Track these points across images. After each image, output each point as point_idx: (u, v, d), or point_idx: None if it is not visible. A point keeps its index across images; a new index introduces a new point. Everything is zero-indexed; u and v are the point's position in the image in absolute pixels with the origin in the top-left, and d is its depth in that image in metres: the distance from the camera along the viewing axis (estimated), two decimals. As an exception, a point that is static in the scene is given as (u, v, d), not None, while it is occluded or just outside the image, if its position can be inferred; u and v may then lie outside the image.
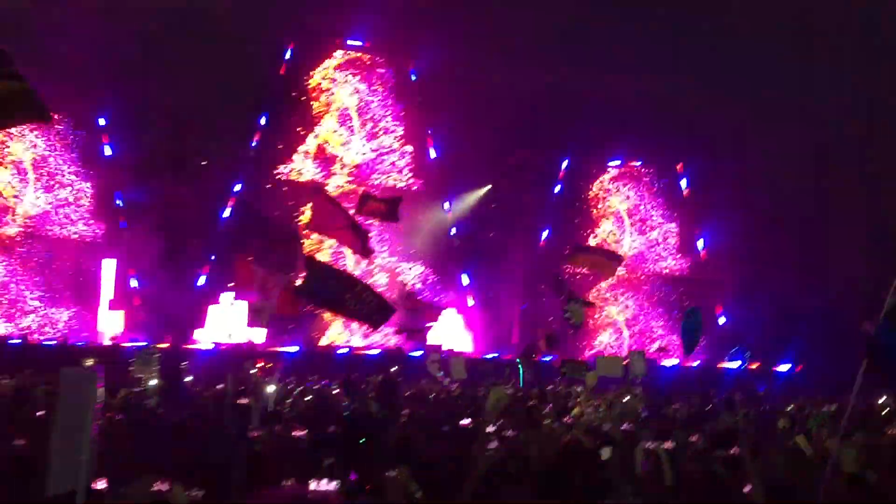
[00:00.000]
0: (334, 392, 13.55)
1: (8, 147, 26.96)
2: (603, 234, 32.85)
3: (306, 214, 26.26)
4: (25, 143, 27.11)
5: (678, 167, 33.32)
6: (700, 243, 32.87)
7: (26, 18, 24.30)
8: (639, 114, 28.71)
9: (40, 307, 26.72)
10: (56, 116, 25.96)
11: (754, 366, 26.84)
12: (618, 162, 33.35)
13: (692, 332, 16.41)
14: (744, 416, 10.83)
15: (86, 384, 4.93)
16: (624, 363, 17.01)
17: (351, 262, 28.19)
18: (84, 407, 4.81)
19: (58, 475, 4.58)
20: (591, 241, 32.15)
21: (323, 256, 26.72)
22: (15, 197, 27.06)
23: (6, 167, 27.00)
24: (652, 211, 33.38)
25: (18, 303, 26.58)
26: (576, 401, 13.10)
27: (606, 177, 33.51)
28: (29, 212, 27.13)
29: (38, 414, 9.08)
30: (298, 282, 11.09)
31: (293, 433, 7.83)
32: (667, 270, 32.87)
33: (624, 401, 13.14)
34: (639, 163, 33.45)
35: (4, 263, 26.68)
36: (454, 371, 18.16)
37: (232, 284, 24.15)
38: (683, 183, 33.36)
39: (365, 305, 11.51)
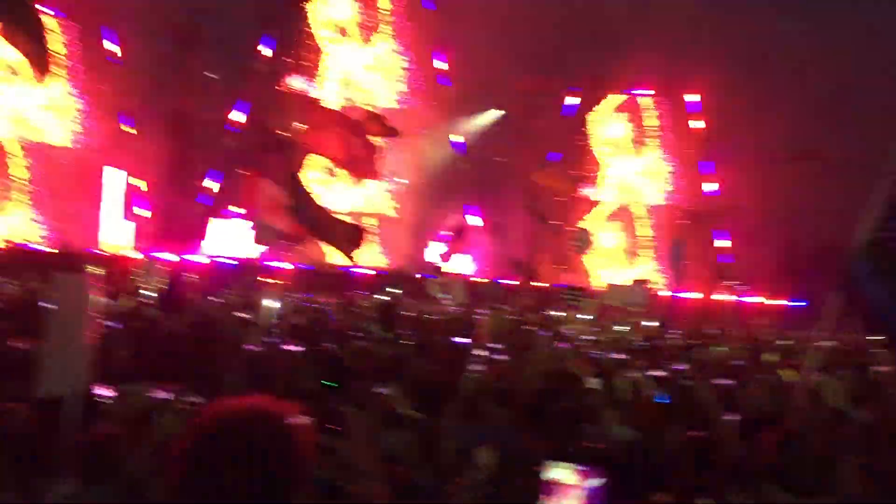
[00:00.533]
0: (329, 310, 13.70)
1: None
2: (605, 163, 32.70)
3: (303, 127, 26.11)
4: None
5: (690, 97, 32.77)
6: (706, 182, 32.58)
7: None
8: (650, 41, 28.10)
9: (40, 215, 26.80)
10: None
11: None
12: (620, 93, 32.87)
13: (676, 261, 16.55)
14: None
15: (78, 289, 4.97)
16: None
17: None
18: (76, 312, 4.86)
19: (50, 379, 4.66)
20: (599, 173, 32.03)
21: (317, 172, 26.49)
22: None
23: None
24: (656, 140, 33.07)
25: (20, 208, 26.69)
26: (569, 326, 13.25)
27: (614, 102, 33.03)
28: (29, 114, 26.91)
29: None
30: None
31: (286, 347, 7.94)
32: (668, 202, 32.77)
33: (617, 328, 13.32)
34: (651, 92, 32.96)
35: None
36: (454, 294, 18.28)
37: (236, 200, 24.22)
38: (694, 118, 32.84)
39: (337, 234, 11.62)
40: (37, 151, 27.07)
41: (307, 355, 7.72)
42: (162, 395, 5.14)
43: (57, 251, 24.62)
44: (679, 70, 30.33)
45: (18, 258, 22.63)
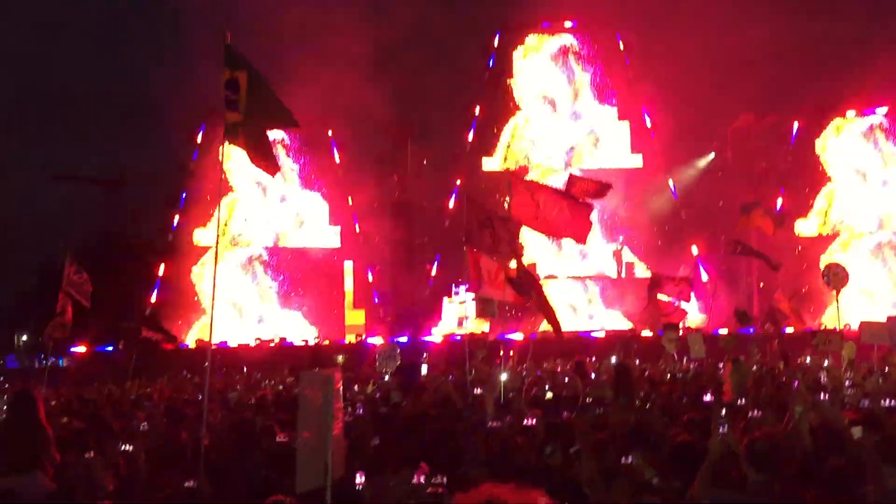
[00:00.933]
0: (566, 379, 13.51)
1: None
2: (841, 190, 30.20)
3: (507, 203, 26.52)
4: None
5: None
6: None
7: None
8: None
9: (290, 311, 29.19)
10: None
11: None
12: (854, 113, 30.35)
13: None
14: None
15: (324, 386, 5.22)
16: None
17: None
18: (324, 408, 5.10)
19: (305, 473, 4.91)
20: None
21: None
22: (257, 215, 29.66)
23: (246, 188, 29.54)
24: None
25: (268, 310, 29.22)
26: (827, 374, 12.10)
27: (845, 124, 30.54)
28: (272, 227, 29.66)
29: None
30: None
31: (525, 421, 7.87)
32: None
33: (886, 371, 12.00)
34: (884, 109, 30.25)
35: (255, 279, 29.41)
36: (694, 348, 17.33)
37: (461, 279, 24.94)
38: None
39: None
40: (284, 255, 29.69)
41: (547, 428, 7.60)
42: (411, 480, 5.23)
43: (308, 345, 26.61)
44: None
45: (275, 354, 24.67)
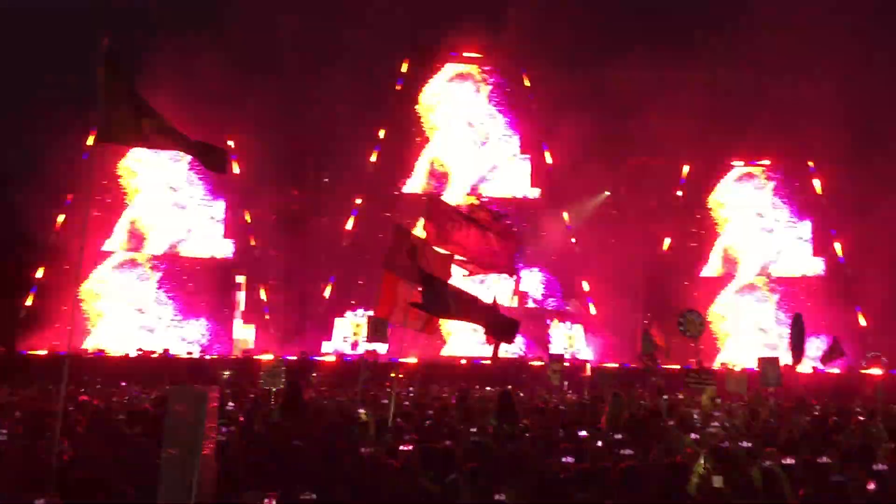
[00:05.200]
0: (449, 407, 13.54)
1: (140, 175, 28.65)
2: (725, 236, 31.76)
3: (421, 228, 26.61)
4: (161, 170, 28.72)
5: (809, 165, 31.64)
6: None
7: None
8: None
9: (178, 323, 28.29)
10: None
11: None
12: (742, 163, 32.03)
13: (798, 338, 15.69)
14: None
15: (196, 403, 5.08)
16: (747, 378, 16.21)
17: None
18: (195, 425, 4.97)
19: (169, 490, 4.77)
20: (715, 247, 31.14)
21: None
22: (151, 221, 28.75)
23: (141, 192, 28.67)
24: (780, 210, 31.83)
25: (159, 319, 28.23)
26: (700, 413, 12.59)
27: (734, 173, 32.15)
28: (166, 235, 28.77)
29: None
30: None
31: (400, 447, 7.84)
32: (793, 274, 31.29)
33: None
34: (766, 162, 32.00)
35: (146, 284, 28.42)
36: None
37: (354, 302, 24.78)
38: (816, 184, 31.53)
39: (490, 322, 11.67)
40: (173, 263, 28.77)
41: (422, 454, 7.59)
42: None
43: (192, 357, 25.84)
44: (799, 140, 29.42)
45: (155, 366, 23.84)
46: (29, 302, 26.62)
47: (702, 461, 6.51)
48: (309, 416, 11.11)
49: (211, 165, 8.13)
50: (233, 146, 28.99)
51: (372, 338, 13.12)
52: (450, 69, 31.87)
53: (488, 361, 25.79)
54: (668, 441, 9.14)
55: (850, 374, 25.52)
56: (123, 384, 18.61)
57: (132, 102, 7.06)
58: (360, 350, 25.09)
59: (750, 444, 8.13)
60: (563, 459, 7.43)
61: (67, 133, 24.62)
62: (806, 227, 31.47)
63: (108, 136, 7.24)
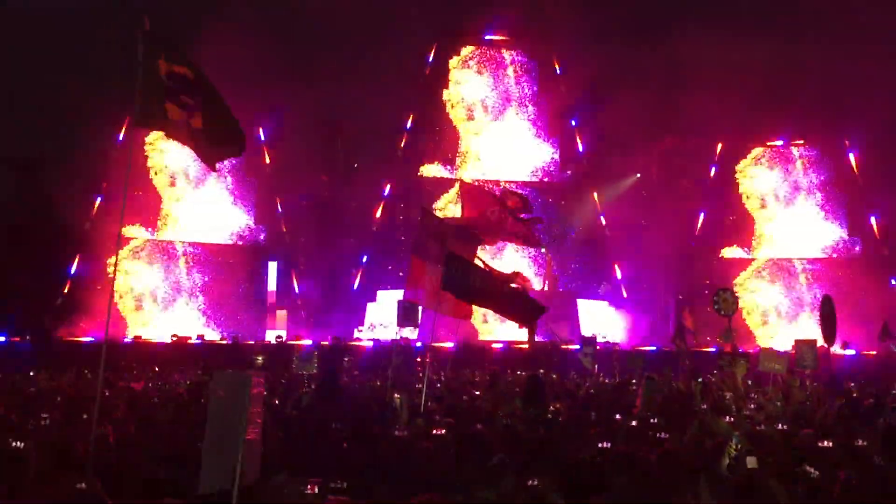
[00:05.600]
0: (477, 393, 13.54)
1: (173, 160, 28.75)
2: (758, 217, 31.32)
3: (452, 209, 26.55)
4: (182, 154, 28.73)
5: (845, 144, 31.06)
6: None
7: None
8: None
9: (211, 309, 28.59)
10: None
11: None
12: (778, 142, 31.52)
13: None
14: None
15: (240, 388, 5.08)
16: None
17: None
18: (238, 410, 4.97)
19: (210, 474, 4.81)
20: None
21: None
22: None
23: (174, 178, 28.86)
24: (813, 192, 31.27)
25: (190, 305, 28.54)
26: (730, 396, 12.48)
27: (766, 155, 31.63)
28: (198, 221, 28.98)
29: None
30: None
31: (434, 431, 7.87)
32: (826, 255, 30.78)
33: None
34: (801, 141, 31.47)
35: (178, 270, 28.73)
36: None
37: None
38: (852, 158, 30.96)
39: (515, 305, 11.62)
40: (208, 252, 29.04)
41: (457, 439, 7.59)
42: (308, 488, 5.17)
43: (227, 343, 26.11)
44: (834, 118, 28.87)
45: (190, 352, 24.12)
46: (65, 289, 27.04)
47: (733, 442, 6.46)
48: (344, 400, 11.19)
49: (227, 153, 7.82)
50: (262, 134, 29.20)
51: (403, 322, 13.17)
52: (478, 53, 31.71)
53: (525, 346, 25.80)
54: (702, 424, 9.06)
55: (888, 357, 25.08)
56: (157, 369, 18.89)
57: (165, 85, 6.95)
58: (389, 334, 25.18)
59: (786, 427, 8.05)
60: (600, 445, 7.40)
61: (101, 121, 24.88)
62: (841, 207, 30.98)
63: (143, 122, 7.20)
